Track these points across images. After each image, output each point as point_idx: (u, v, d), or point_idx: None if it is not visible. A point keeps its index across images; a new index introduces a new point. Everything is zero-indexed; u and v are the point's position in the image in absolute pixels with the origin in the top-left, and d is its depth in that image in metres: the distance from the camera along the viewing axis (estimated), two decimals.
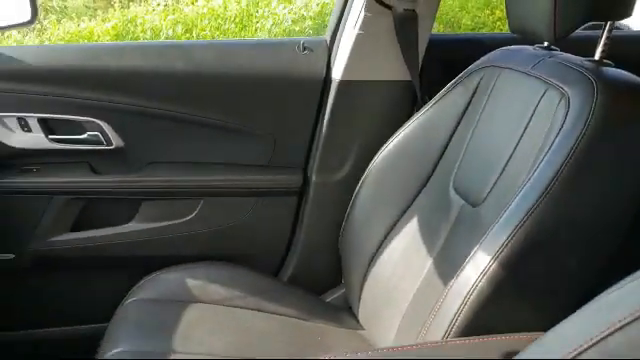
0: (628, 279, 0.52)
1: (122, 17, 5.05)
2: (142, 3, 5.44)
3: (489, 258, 0.85)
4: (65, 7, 5.70)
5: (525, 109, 1.00)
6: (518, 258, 0.85)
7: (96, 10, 5.72)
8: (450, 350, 0.79)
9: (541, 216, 0.84)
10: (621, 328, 0.47)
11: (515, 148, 1.00)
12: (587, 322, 0.53)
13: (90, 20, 5.42)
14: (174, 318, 1.18)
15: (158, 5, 5.23)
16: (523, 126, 0.99)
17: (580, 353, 0.49)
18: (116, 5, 5.36)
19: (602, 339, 0.48)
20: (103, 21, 5.18)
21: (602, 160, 0.88)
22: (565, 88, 0.93)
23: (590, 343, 0.49)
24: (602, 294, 0.53)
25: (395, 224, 1.23)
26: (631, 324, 0.46)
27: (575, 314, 0.55)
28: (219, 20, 4.86)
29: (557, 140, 0.88)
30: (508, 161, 1.00)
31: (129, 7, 5.41)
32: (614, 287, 0.53)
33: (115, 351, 1.09)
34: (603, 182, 0.88)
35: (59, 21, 5.24)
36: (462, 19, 4.87)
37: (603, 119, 0.86)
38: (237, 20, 4.85)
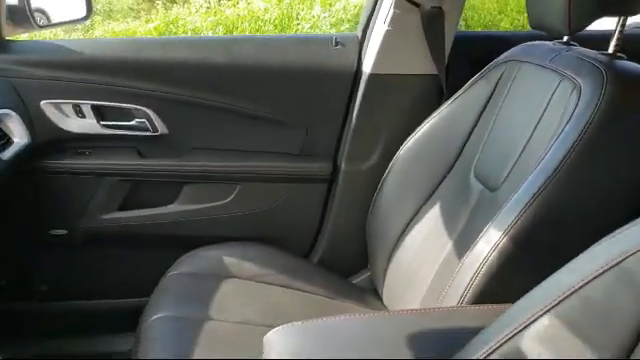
0: (594, 247, 0.59)
1: (164, 18, 5.23)
2: (184, 5, 5.61)
3: (500, 234, 0.92)
4: (111, 10, 5.94)
5: (541, 99, 1.06)
6: (527, 234, 0.91)
7: (139, 12, 5.94)
8: (448, 315, 0.86)
9: (549, 196, 0.91)
10: (575, 292, 0.54)
11: (531, 136, 1.06)
12: (548, 288, 0.60)
13: (134, 21, 5.63)
14: (210, 290, 1.28)
15: (200, 7, 5.40)
16: (539, 115, 1.06)
17: (536, 319, 0.57)
18: (159, 7, 5.55)
19: (557, 303, 0.55)
20: (146, 22, 5.38)
21: (609, 144, 0.94)
22: (578, 79, 0.99)
23: (545, 309, 0.57)
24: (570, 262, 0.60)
25: (419, 210, 1.31)
26: (583, 287, 0.53)
27: (543, 282, 0.62)
28: (259, 22, 4.99)
29: (567, 126, 0.94)
30: (524, 148, 1.07)
31: (172, 9, 5.59)
32: (580, 255, 0.60)
33: (155, 317, 1.20)
34: (610, 165, 0.94)
35: (104, 22, 5.46)
36: (501, 22, 4.89)
37: (611, 106, 0.92)
38: (277, 22, 4.97)
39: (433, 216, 1.27)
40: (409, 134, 1.36)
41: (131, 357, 1.13)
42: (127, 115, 1.47)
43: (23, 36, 1.51)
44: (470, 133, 1.27)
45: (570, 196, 0.93)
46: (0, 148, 1.28)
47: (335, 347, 0.80)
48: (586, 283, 0.55)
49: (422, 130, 1.35)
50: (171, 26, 5.06)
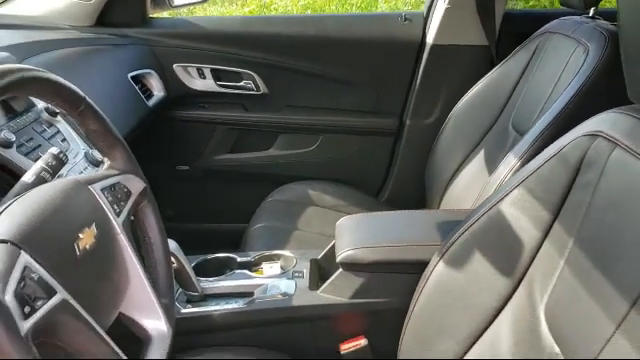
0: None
1: (258, 2, 5.64)
2: None
3: (516, 159, 1.21)
4: None
5: (561, 62, 1.33)
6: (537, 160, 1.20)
7: None
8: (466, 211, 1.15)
9: (552, 132, 1.18)
10: (534, 172, 0.84)
11: (552, 91, 1.33)
12: (521, 172, 0.90)
13: (231, 5, 6.09)
14: (297, 213, 1.65)
15: None
16: (559, 74, 1.32)
17: (511, 191, 0.86)
18: None
19: (525, 179, 0.85)
20: (242, 6, 5.83)
21: (605, 93, 1.17)
22: (588, 44, 1.25)
23: (517, 184, 0.87)
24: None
25: (467, 156, 1.59)
26: (540, 168, 0.83)
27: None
28: (346, 5, 5.30)
29: (574, 80, 1.21)
30: (546, 101, 1.34)
31: None
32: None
33: (258, 225, 1.58)
34: (604, 109, 1.20)
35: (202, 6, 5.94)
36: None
37: (609, 63, 1.17)
38: (363, 6, 5.26)
39: (478, 160, 1.56)
40: (463, 95, 1.65)
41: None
42: (237, 77, 1.86)
43: (164, 14, 1.93)
44: (511, 93, 1.54)
45: (568, 130, 1.19)
46: (146, 98, 1.70)
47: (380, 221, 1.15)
48: (542, 165, 0.85)
49: (474, 91, 1.63)
50: (265, 10, 5.47)
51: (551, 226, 0.81)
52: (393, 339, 1.01)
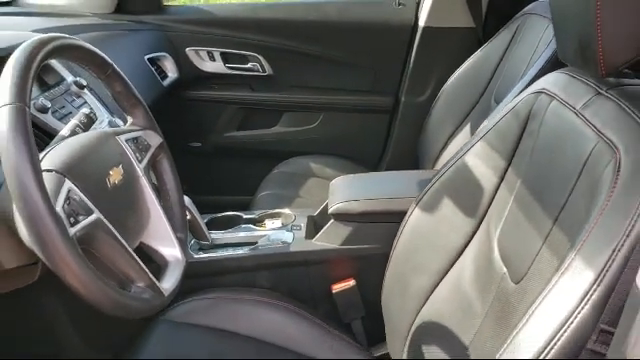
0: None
1: None
2: None
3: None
4: None
5: (536, 39, 1.45)
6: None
7: None
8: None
9: None
10: (493, 127, 0.98)
11: (527, 65, 1.46)
12: (479, 130, 1.04)
13: None
14: (300, 183, 1.80)
15: None
16: (533, 50, 1.45)
17: (473, 145, 1.00)
18: None
19: (485, 133, 1.00)
20: None
21: None
22: None
23: (478, 138, 1.01)
24: None
25: (455, 130, 1.73)
26: (497, 123, 0.98)
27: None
28: None
29: (545, 51, 1.34)
30: (522, 75, 1.47)
31: None
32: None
33: (263, 193, 1.74)
34: None
35: None
36: None
37: None
38: None
39: (465, 132, 1.70)
40: (452, 73, 1.78)
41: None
42: (244, 60, 2.02)
43: (179, 1, 2.08)
44: (495, 70, 1.67)
45: None
46: (161, 78, 1.86)
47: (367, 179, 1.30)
48: (499, 120, 0.99)
49: (462, 70, 1.76)
50: None
51: (506, 171, 0.95)
52: (378, 280, 1.15)
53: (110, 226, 0.77)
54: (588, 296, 0.59)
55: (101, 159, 0.83)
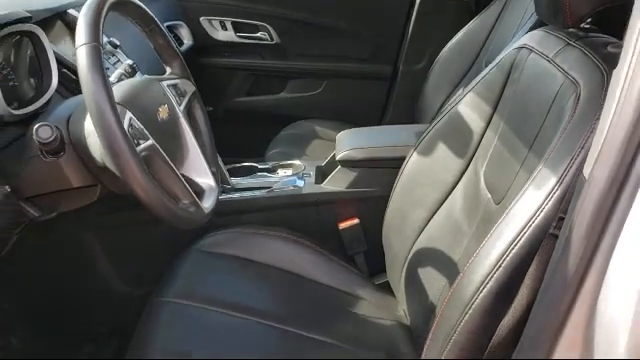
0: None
1: None
2: None
3: None
4: None
5: (524, 7, 1.60)
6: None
7: None
8: None
9: None
10: (479, 81, 1.14)
11: (515, 31, 1.61)
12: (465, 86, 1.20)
13: None
14: (307, 143, 1.96)
15: None
16: (521, 17, 1.60)
17: (465, 96, 1.16)
18: None
19: (473, 87, 1.15)
20: None
21: None
22: None
23: (468, 90, 1.17)
24: None
25: (452, 92, 1.88)
26: (479, 83, 1.13)
27: None
28: None
29: (530, 18, 1.49)
30: (512, 37, 1.62)
31: None
32: None
33: (273, 151, 1.90)
34: None
35: None
36: None
37: None
38: None
39: (461, 94, 1.85)
40: (447, 43, 1.93)
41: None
42: (254, 29, 2.16)
43: None
44: (486, 39, 1.83)
45: None
46: (178, 45, 2.00)
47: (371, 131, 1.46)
48: (487, 73, 1.15)
49: (456, 39, 1.91)
50: None
51: (492, 117, 1.11)
52: (379, 219, 1.32)
53: (162, 151, 0.92)
54: (551, 195, 0.76)
55: (151, 97, 0.98)
